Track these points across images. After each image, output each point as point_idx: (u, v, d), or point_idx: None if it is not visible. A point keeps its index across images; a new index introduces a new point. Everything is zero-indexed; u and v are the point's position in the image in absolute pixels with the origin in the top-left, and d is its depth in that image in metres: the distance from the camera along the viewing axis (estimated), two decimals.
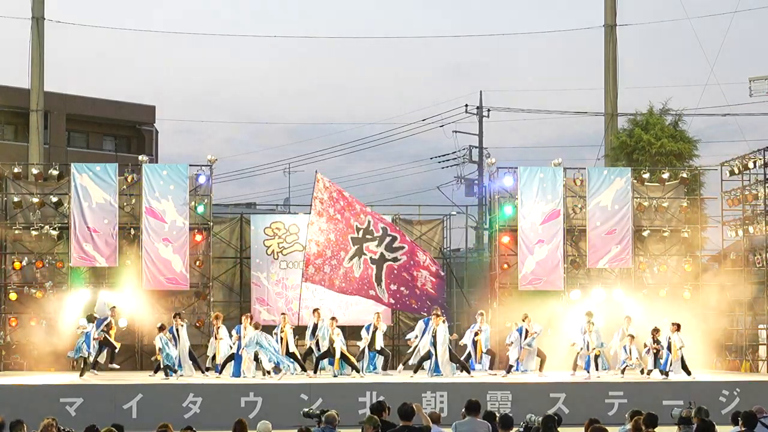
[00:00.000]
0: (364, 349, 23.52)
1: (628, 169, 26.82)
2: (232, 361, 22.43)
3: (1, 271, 25.58)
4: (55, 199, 25.37)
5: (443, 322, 22.54)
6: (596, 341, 23.10)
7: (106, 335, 22.96)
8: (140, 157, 26.14)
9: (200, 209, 25.60)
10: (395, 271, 23.88)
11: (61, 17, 30.84)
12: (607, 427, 12.06)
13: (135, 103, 46.12)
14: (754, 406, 13.69)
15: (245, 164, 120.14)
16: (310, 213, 23.92)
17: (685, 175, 27.04)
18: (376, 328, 23.38)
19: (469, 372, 22.60)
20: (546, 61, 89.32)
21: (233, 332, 22.72)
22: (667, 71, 78.59)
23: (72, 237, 24.82)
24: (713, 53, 33.99)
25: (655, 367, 22.89)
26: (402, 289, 23.88)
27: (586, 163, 31.27)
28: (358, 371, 22.56)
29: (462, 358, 23.16)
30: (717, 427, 12.30)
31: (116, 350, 23.39)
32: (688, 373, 22.60)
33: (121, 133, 46.23)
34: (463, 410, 12.80)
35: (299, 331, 23.86)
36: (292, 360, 22.83)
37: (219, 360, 22.84)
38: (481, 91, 41.86)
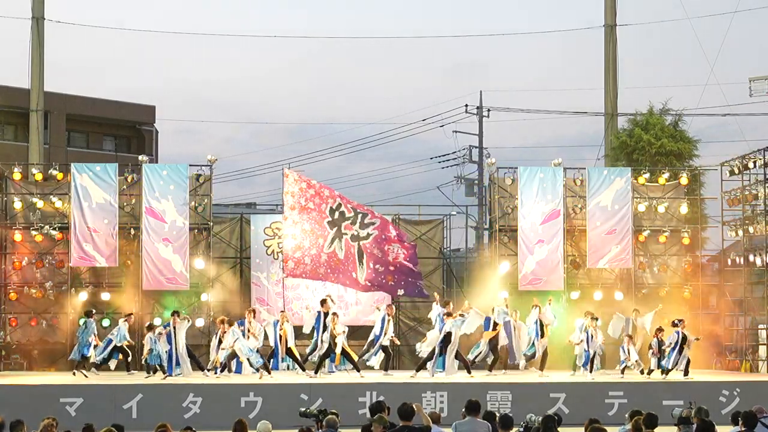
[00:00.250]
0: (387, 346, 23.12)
1: (628, 169, 26.83)
2: (236, 358, 22.49)
3: (1, 271, 25.59)
4: (55, 199, 25.37)
5: (459, 315, 22.40)
6: (597, 341, 23.04)
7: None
8: (140, 157, 26.16)
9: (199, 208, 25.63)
10: (368, 250, 23.46)
11: (61, 17, 30.89)
12: (606, 427, 12.08)
13: (135, 103, 46.06)
14: (754, 406, 13.68)
15: (245, 164, 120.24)
16: (282, 212, 23.80)
17: (685, 176, 27.03)
18: (389, 318, 23.14)
19: (470, 372, 22.60)
20: (546, 61, 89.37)
21: (236, 325, 22.60)
22: (667, 71, 78.61)
23: (72, 237, 24.83)
24: (713, 53, 34.03)
25: (659, 367, 22.79)
26: (377, 266, 23.45)
27: (586, 163, 31.31)
28: (358, 370, 22.52)
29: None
30: (717, 427, 12.31)
31: (129, 357, 23.49)
32: (686, 373, 22.54)
33: (121, 133, 46.23)
34: (463, 410, 12.80)
35: (299, 332, 23.83)
36: (290, 358, 22.89)
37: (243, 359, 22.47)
38: (481, 91, 41.85)
